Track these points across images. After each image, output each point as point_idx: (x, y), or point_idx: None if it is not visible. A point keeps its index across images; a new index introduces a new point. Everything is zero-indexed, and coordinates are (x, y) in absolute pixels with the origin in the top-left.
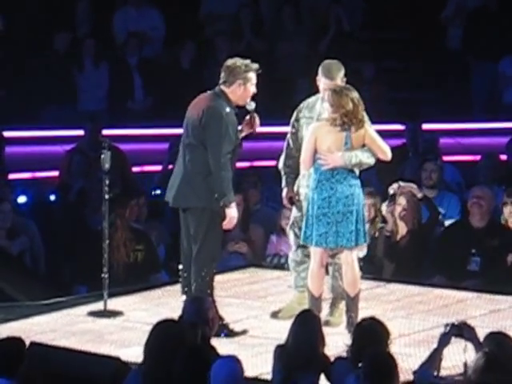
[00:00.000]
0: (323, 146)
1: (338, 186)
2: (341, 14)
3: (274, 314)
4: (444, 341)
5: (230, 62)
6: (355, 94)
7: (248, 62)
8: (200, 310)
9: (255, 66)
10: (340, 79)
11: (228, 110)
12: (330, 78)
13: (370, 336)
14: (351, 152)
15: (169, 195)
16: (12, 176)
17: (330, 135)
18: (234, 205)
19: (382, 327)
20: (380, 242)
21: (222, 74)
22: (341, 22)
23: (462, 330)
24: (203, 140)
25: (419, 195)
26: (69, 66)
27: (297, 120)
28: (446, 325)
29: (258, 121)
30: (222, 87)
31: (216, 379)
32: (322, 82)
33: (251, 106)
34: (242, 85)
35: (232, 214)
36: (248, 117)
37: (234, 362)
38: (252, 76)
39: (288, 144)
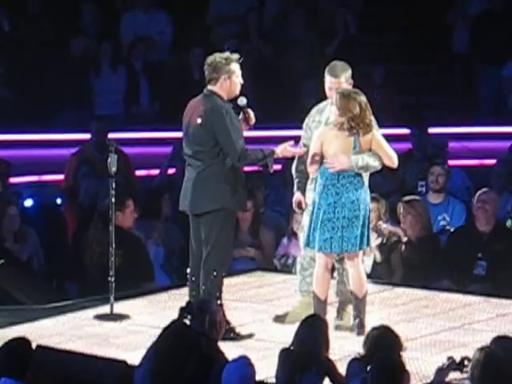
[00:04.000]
0: (330, 150)
1: (344, 191)
2: (348, 18)
3: (278, 318)
4: (440, 376)
5: (209, 59)
6: (363, 98)
7: (227, 54)
8: (208, 313)
9: (235, 56)
10: (344, 78)
11: (226, 106)
12: (333, 75)
13: (382, 344)
14: (358, 155)
15: (184, 204)
16: (19, 179)
17: (337, 139)
18: (276, 153)
19: (393, 335)
20: (395, 247)
21: (206, 73)
22: (348, 25)
23: (463, 366)
24: (210, 143)
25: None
26: (85, 69)
27: (308, 125)
28: (449, 358)
29: (252, 115)
30: (210, 87)
31: (229, 382)
32: (326, 80)
33: (242, 101)
34: (227, 79)
35: (281, 153)
36: (242, 113)
37: (246, 364)
38: (235, 67)
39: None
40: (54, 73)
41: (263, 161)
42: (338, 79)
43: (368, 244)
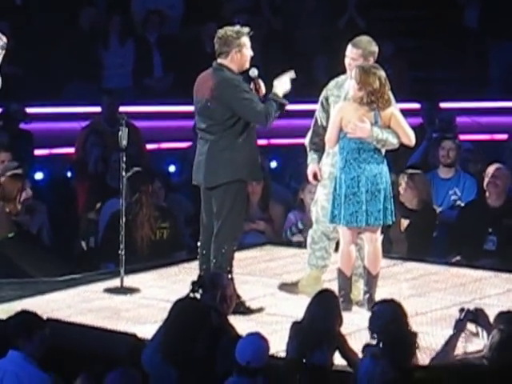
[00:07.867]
0: (350, 124)
1: (366, 165)
2: None
3: (284, 287)
4: (460, 327)
5: (220, 32)
6: (382, 73)
7: (238, 28)
8: (219, 287)
9: (246, 30)
10: (367, 51)
11: (237, 77)
12: (356, 46)
13: (389, 317)
14: (379, 128)
15: (197, 177)
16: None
17: (357, 114)
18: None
19: (399, 309)
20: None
21: (216, 47)
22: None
23: (476, 316)
24: (223, 117)
25: None
26: (94, 42)
27: (326, 98)
28: (461, 310)
29: (263, 86)
30: (220, 60)
31: (242, 357)
32: (347, 50)
33: (254, 73)
34: (238, 52)
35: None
36: (252, 84)
37: (260, 339)
38: (245, 40)
39: (316, 121)
40: (63, 45)
41: (279, 106)
42: (357, 50)
43: (392, 218)
